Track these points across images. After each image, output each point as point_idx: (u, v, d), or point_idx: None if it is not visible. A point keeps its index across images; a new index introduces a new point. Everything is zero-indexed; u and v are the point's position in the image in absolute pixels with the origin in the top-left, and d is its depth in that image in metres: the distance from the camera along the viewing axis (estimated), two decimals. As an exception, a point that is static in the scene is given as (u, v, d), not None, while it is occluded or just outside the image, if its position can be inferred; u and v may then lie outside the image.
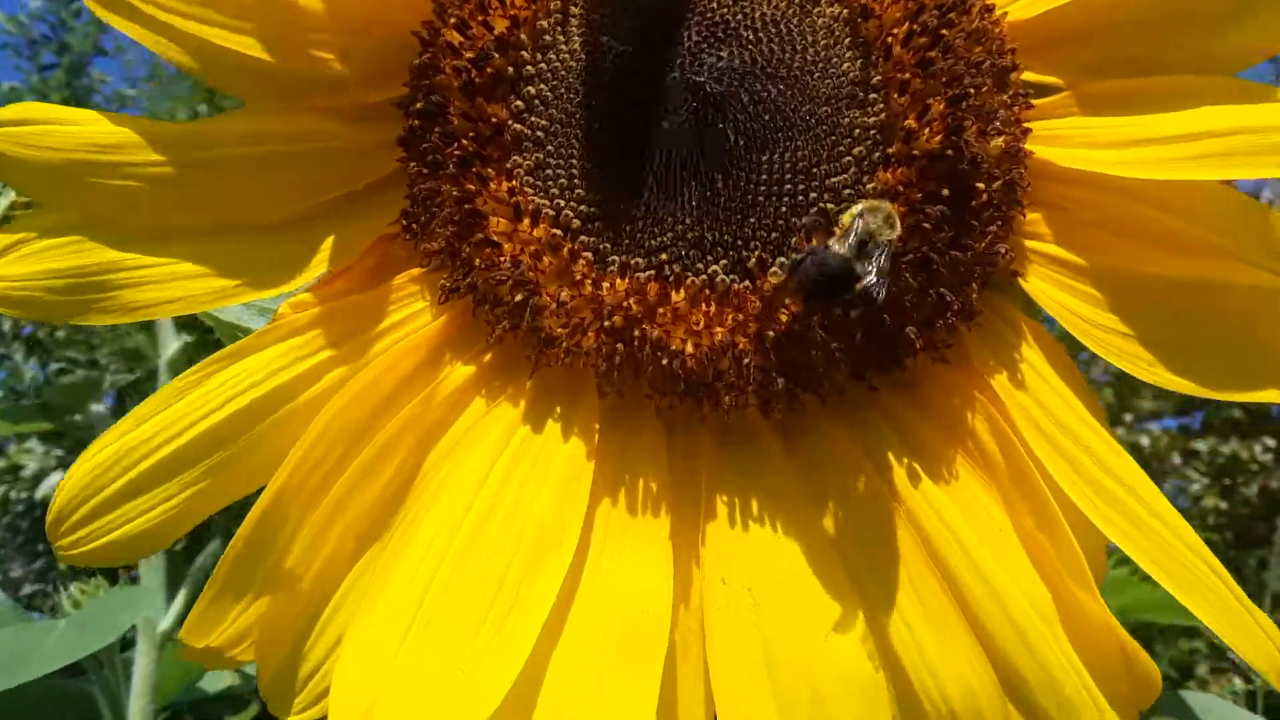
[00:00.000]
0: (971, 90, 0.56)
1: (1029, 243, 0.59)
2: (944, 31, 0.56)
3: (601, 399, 0.57)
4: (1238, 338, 0.56)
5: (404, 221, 0.60)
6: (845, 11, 0.57)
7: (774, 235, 0.55)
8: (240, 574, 0.55)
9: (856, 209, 0.53)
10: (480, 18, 0.58)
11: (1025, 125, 0.58)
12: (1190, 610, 0.52)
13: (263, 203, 0.60)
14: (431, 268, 0.59)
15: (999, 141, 0.56)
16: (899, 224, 0.54)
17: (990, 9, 0.59)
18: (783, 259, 0.54)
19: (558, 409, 0.57)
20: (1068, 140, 0.58)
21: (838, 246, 0.52)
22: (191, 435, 0.54)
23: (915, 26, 0.56)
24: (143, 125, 0.58)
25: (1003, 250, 0.57)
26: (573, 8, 0.59)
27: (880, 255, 0.52)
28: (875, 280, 0.51)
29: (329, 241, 0.61)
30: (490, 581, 0.52)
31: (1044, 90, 0.60)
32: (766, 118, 0.55)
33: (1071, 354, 0.60)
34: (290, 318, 0.57)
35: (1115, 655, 0.52)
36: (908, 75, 0.55)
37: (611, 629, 0.51)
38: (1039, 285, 0.58)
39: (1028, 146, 0.59)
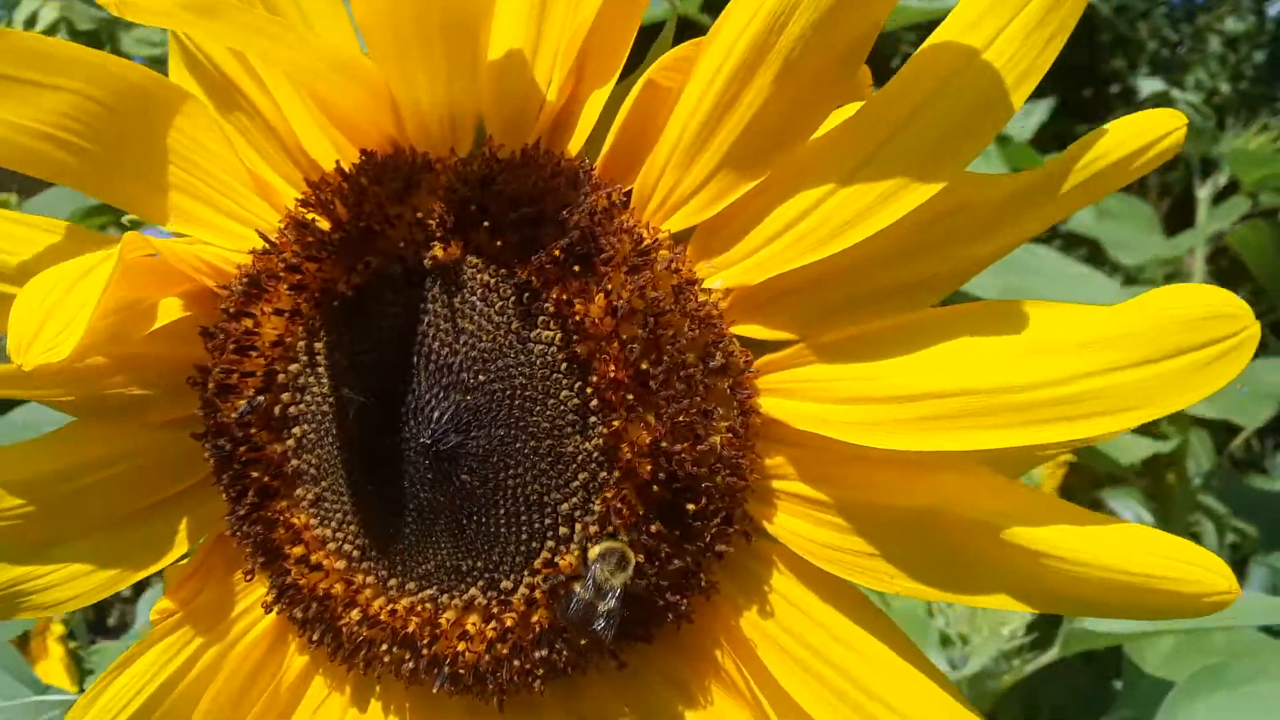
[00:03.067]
0: (686, 403, 0.61)
1: (775, 483, 0.66)
2: (657, 338, 0.61)
3: (406, 687, 0.71)
4: (969, 554, 0.61)
5: (229, 532, 0.72)
6: (559, 334, 0.62)
7: (518, 560, 0.65)
8: None
9: (595, 553, 0.62)
10: (240, 362, 0.67)
11: (750, 392, 0.63)
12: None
13: (118, 507, 0.74)
14: (253, 581, 0.72)
15: (718, 438, 0.62)
16: (631, 562, 0.62)
17: (707, 297, 0.62)
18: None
19: (376, 689, 0.73)
20: (800, 394, 0.63)
21: (581, 591, 0.61)
22: None
23: (626, 338, 0.61)
24: (7, 469, 0.71)
25: (724, 542, 0.64)
26: (317, 346, 0.66)
27: (611, 598, 0.61)
28: (604, 624, 0.61)
29: (184, 524, 0.75)
30: None
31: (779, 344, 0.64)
32: (495, 459, 0.63)
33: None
34: (160, 625, 0.72)
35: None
36: (621, 394, 0.61)
37: None
38: (785, 523, 0.65)
39: (763, 402, 0.64)
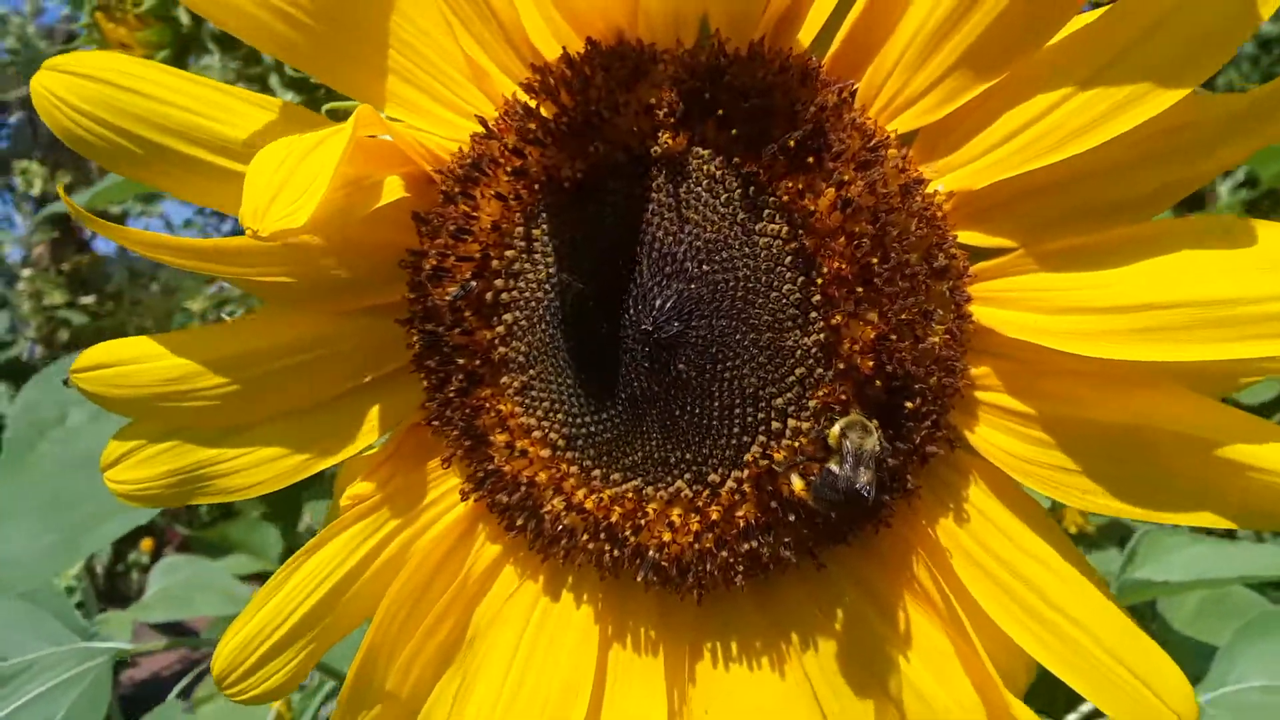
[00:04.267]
0: (909, 301, 0.63)
1: (980, 394, 0.67)
2: (884, 234, 0.63)
3: (600, 579, 0.73)
4: (1172, 469, 0.63)
5: (427, 417, 0.74)
6: (785, 228, 0.64)
7: (728, 454, 0.67)
8: (357, 697, 0.77)
9: (837, 429, 0.64)
10: (455, 247, 0.68)
11: (967, 297, 0.65)
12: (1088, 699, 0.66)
13: (310, 393, 0.76)
14: (453, 468, 0.74)
15: (935, 339, 0.64)
16: (875, 431, 0.64)
17: (931, 199, 0.64)
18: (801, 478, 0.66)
19: (569, 579, 0.75)
20: (1015, 303, 0.65)
21: (836, 468, 0.63)
22: (296, 618, 0.75)
23: (853, 233, 0.63)
24: (199, 350, 0.73)
25: (934, 444, 0.66)
26: (535, 233, 0.68)
27: (869, 463, 0.63)
28: (866, 486, 0.62)
29: (375, 412, 0.77)
30: (534, 722, 0.72)
31: (996, 251, 0.66)
32: (714, 350, 0.65)
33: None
34: (350, 511, 0.74)
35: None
36: (846, 290, 0.63)
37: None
38: (986, 435, 0.67)
39: (974, 310, 0.66)
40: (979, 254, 0.66)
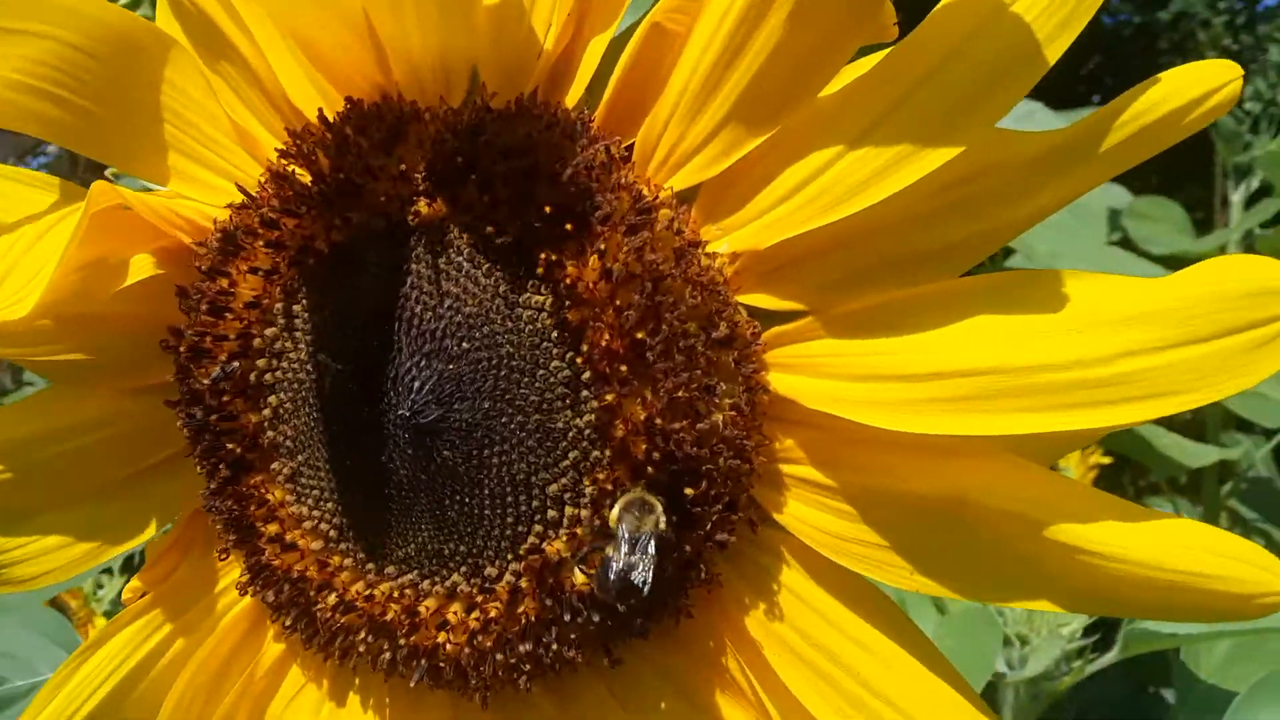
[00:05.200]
0: (686, 376, 0.57)
1: (784, 467, 0.62)
2: (655, 304, 0.58)
3: (385, 679, 0.68)
4: (996, 548, 0.56)
5: (204, 506, 0.69)
6: (550, 299, 0.59)
7: (504, 544, 0.62)
8: None
9: (616, 510, 0.59)
10: (214, 325, 0.64)
11: (757, 366, 0.60)
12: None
13: (94, 477, 0.73)
14: (228, 560, 0.69)
15: (721, 416, 0.58)
16: (657, 506, 0.59)
17: (711, 261, 0.59)
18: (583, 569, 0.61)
19: (355, 680, 0.70)
20: (812, 369, 0.59)
21: (613, 553, 0.57)
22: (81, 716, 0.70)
23: (621, 304, 0.58)
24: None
25: (727, 530, 0.60)
26: (295, 309, 0.64)
27: (647, 547, 0.57)
28: (643, 574, 0.57)
29: (163, 496, 0.73)
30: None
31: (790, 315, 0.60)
32: (479, 435, 0.60)
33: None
34: (134, 604, 0.70)
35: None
36: (617, 364, 0.58)
37: None
38: (794, 511, 0.61)
39: (772, 378, 0.60)
40: (773, 318, 0.61)
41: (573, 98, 0.61)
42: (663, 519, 0.57)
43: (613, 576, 0.57)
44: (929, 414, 0.55)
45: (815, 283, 0.59)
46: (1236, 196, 2.88)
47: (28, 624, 1.59)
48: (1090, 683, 1.53)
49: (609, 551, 0.57)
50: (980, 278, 0.57)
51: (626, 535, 0.57)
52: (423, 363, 0.60)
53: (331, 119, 0.62)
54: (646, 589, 0.57)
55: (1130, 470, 2.83)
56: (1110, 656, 1.40)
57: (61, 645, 1.56)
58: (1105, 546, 0.53)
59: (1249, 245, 2.84)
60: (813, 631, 0.62)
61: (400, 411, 0.60)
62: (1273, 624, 1.28)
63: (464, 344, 0.60)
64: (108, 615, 2.74)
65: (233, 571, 0.72)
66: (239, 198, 0.66)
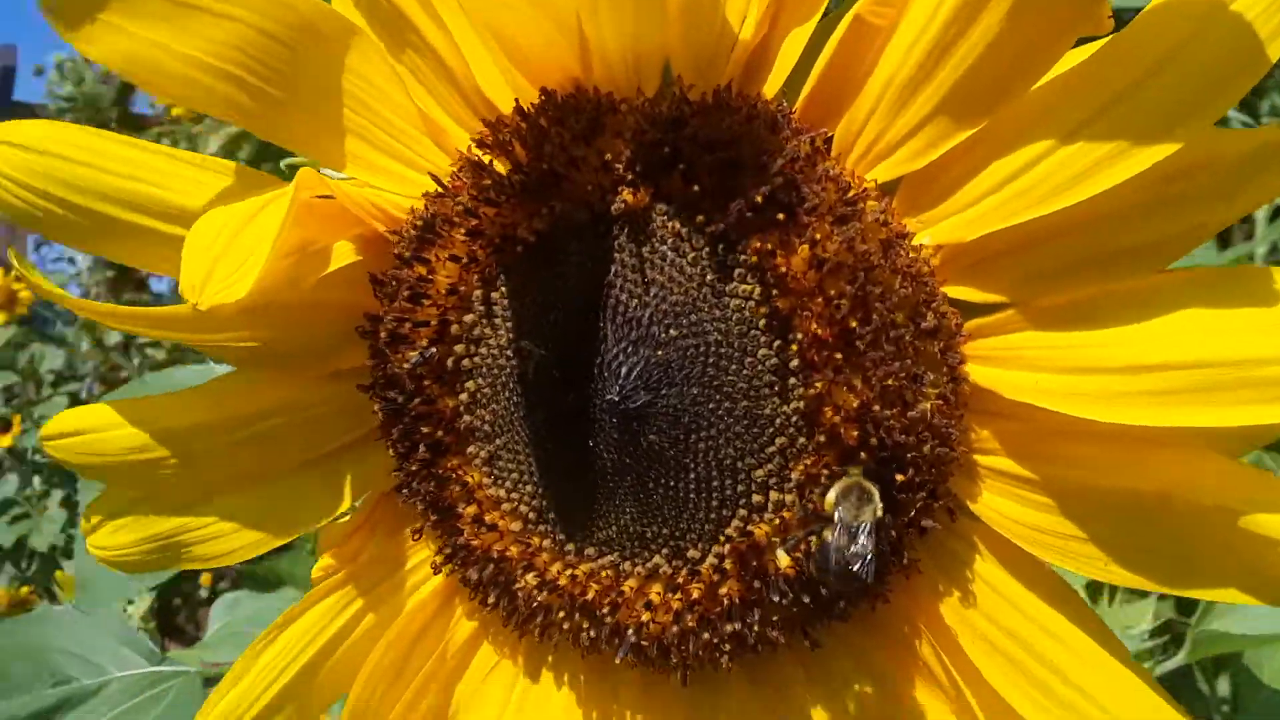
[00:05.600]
0: (896, 365, 0.59)
1: (981, 459, 0.63)
2: (865, 294, 0.59)
3: (582, 657, 0.70)
4: (1195, 545, 0.58)
5: (396, 488, 0.71)
6: (758, 289, 0.60)
7: (707, 528, 0.64)
8: None
9: (833, 495, 0.60)
10: (412, 311, 0.66)
11: (961, 357, 0.61)
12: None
13: (279, 459, 0.75)
14: (420, 540, 0.72)
15: (927, 405, 0.60)
16: (874, 493, 0.60)
17: (917, 253, 0.60)
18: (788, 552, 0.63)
19: (549, 657, 0.72)
20: (1015, 362, 0.61)
21: (831, 538, 0.59)
22: (272, 693, 0.74)
23: (831, 294, 0.59)
24: (166, 418, 0.72)
25: (930, 517, 0.62)
26: (495, 296, 0.65)
27: (868, 534, 0.59)
28: (862, 565, 0.59)
29: (347, 479, 0.74)
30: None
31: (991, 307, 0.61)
32: (686, 420, 0.61)
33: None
34: (324, 583, 0.72)
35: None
36: (825, 354, 0.59)
37: None
38: (990, 502, 0.63)
39: (971, 370, 0.62)
40: (974, 310, 0.62)
41: (770, 89, 0.62)
42: (880, 507, 0.59)
43: (833, 563, 0.59)
44: (1136, 406, 0.56)
45: (1018, 276, 0.60)
46: (1260, 212, 2.86)
47: (97, 626, 1.63)
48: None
49: (827, 536, 0.59)
50: (1181, 272, 0.58)
51: (844, 521, 0.59)
52: (630, 349, 0.61)
53: (528, 109, 0.63)
54: (869, 577, 0.59)
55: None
56: (1179, 658, 1.39)
57: (130, 646, 1.59)
58: None
59: (1275, 259, 2.83)
60: (1006, 620, 0.63)
61: (608, 397, 0.61)
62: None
63: (671, 331, 0.61)
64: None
65: (421, 552, 0.75)
66: (421, 185, 0.67)
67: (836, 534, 0.59)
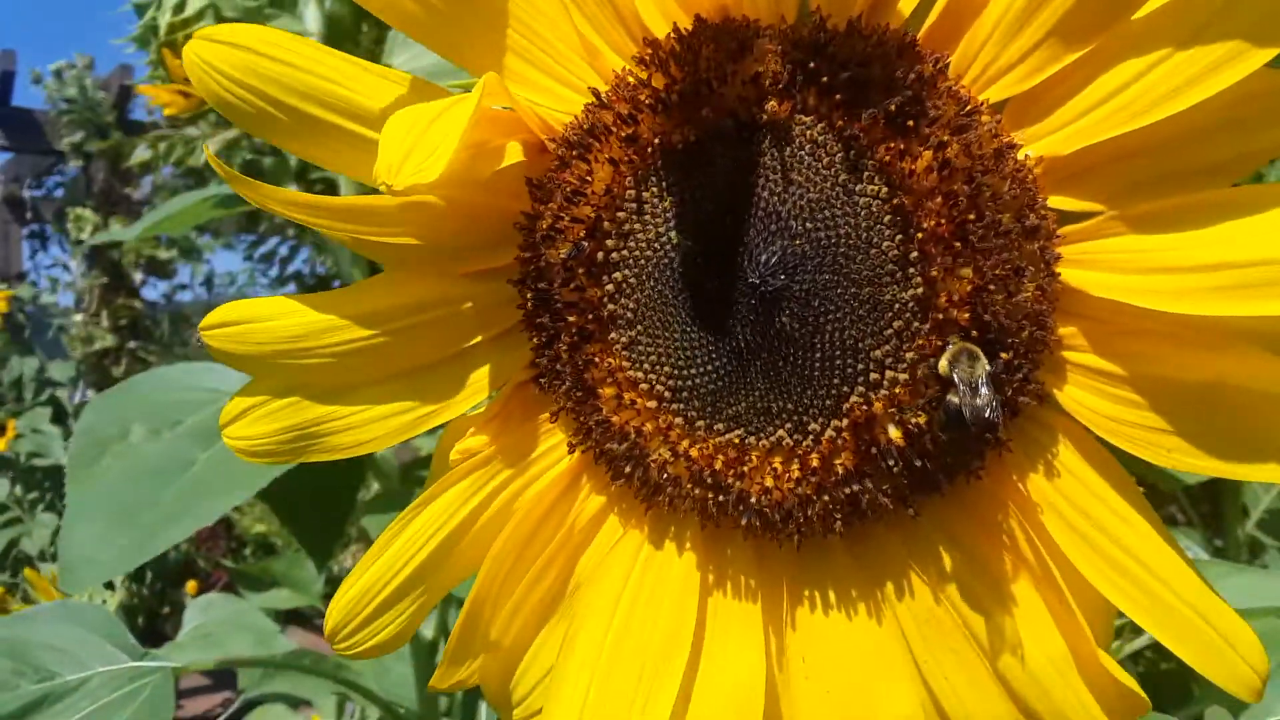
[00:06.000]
0: (1003, 257, 0.68)
1: (1066, 354, 0.72)
2: (978, 195, 0.68)
3: (702, 528, 0.78)
4: (1249, 424, 0.67)
5: (535, 374, 0.79)
6: (884, 188, 0.70)
7: (828, 403, 0.72)
8: (463, 646, 0.84)
9: (945, 360, 0.69)
10: (569, 209, 0.74)
11: (1056, 256, 0.70)
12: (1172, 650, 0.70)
13: (424, 353, 0.82)
14: (559, 422, 0.79)
15: (1027, 294, 0.69)
16: (981, 354, 0.69)
17: (1022, 163, 0.69)
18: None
19: (671, 529, 0.80)
20: (1102, 264, 0.69)
21: (956, 399, 0.68)
22: (409, 570, 0.81)
23: (949, 193, 0.68)
24: (321, 311, 0.79)
25: (1026, 396, 0.71)
26: (645, 196, 0.74)
27: (987, 384, 0.68)
28: (993, 412, 0.68)
29: (484, 372, 0.83)
30: (634, 675, 0.77)
31: (1082, 215, 0.71)
32: (816, 304, 0.70)
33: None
34: (460, 466, 0.79)
35: (1110, 687, 0.71)
36: (942, 246, 0.68)
37: (722, 701, 0.75)
38: (1073, 394, 0.72)
39: (1062, 271, 0.71)
40: (1066, 218, 0.71)
41: (897, 20, 0.72)
42: (987, 363, 0.68)
43: (969, 417, 0.67)
44: (1209, 300, 0.64)
45: (1107, 188, 0.70)
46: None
47: (72, 618, 1.67)
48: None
49: (951, 399, 0.68)
50: (1254, 186, 0.68)
51: (964, 380, 0.67)
52: (770, 239, 0.70)
53: (684, 33, 0.73)
54: (999, 419, 0.68)
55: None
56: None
57: (113, 642, 1.63)
58: None
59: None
60: (1082, 502, 0.72)
61: (751, 279, 0.70)
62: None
63: (807, 224, 0.70)
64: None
65: (553, 437, 0.82)
66: (576, 103, 0.76)
67: (961, 393, 0.67)
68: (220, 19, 2.13)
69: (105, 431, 1.80)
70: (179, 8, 2.05)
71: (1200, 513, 2.48)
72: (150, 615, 5.74)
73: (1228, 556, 2.29)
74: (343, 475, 2.12)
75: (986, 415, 0.67)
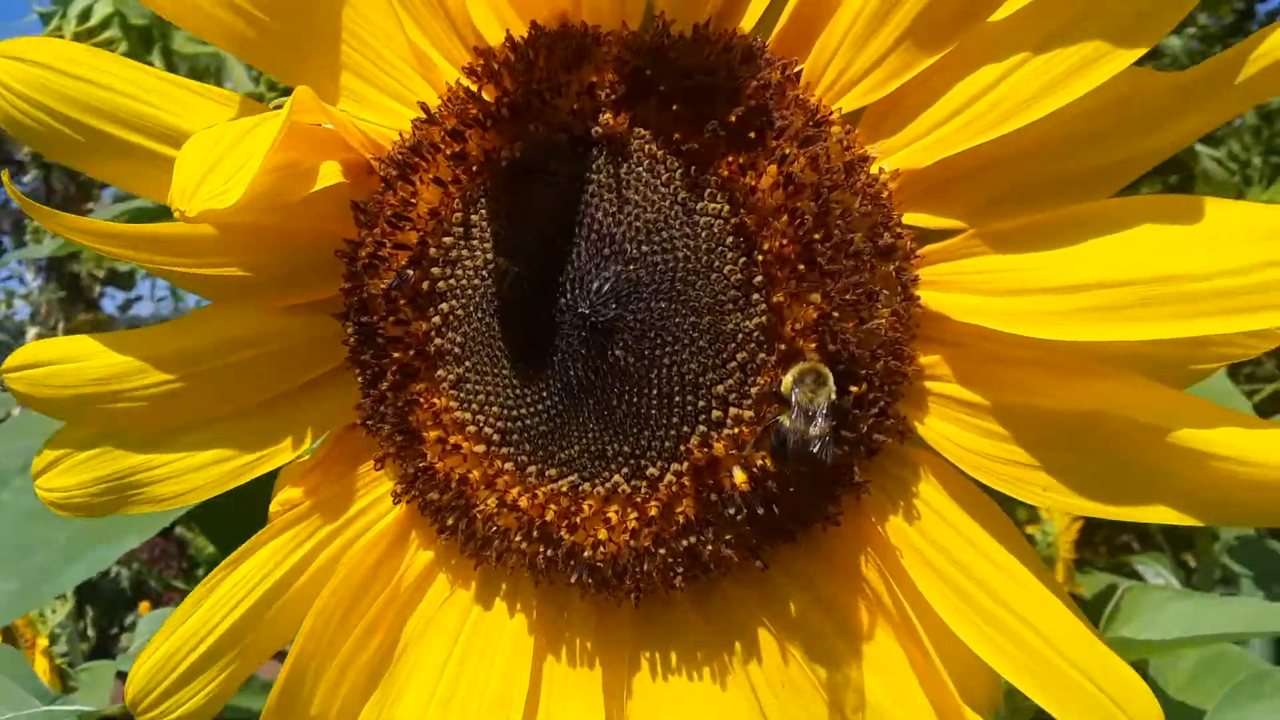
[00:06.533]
0: (854, 280, 0.62)
1: (929, 384, 0.66)
2: (827, 212, 0.62)
3: (535, 585, 0.71)
4: (1128, 462, 0.61)
5: (362, 417, 0.73)
6: (726, 206, 0.64)
7: (667, 444, 0.66)
8: (281, 714, 0.75)
9: (790, 377, 0.62)
10: (392, 234, 0.68)
11: (914, 278, 0.64)
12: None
13: (244, 395, 0.76)
14: (384, 469, 0.73)
15: (881, 321, 0.63)
16: (829, 377, 0.62)
17: (876, 177, 0.64)
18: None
19: (503, 586, 0.74)
20: (965, 286, 0.64)
21: (789, 422, 0.61)
22: (218, 634, 0.74)
23: (795, 211, 0.62)
24: (131, 349, 0.73)
25: (882, 433, 0.64)
26: (474, 218, 0.68)
27: (820, 418, 0.61)
28: (821, 446, 0.61)
29: (309, 416, 0.77)
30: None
31: (943, 233, 0.65)
32: (653, 335, 0.64)
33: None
34: (279, 519, 0.73)
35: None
36: (788, 269, 0.62)
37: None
38: (936, 427, 0.66)
39: (921, 294, 0.65)
40: (927, 236, 0.66)
41: (746, 25, 0.66)
42: (834, 390, 0.61)
43: (791, 445, 0.61)
44: (1074, 323, 0.59)
45: (969, 203, 0.64)
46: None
47: None
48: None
49: (784, 421, 0.61)
50: (1121, 199, 0.62)
51: (801, 405, 0.61)
52: (602, 264, 0.64)
53: (518, 40, 0.67)
54: (827, 458, 0.61)
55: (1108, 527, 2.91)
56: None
57: (24, 686, 1.58)
58: (1237, 451, 0.56)
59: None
60: (949, 545, 0.65)
61: (580, 310, 0.64)
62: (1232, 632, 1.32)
63: (643, 247, 0.64)
64: (53, 638, 2.73)
65: (377, 489, 0.76)
66: (409, 119, 0.70)
67: (794, 417, 0.61)
68: (126, 26, 2.09)
69: (6, 464, 1.74)
70: (84, 16, 2.01)
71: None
72: (103, 637, 5.60)
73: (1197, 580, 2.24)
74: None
75: (813, 450, 0.61)
